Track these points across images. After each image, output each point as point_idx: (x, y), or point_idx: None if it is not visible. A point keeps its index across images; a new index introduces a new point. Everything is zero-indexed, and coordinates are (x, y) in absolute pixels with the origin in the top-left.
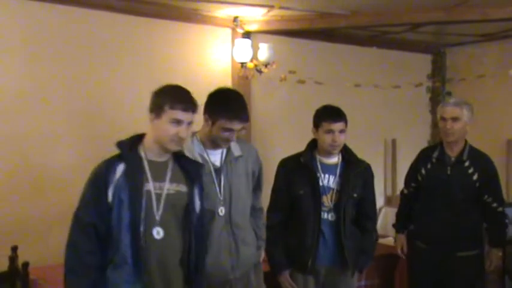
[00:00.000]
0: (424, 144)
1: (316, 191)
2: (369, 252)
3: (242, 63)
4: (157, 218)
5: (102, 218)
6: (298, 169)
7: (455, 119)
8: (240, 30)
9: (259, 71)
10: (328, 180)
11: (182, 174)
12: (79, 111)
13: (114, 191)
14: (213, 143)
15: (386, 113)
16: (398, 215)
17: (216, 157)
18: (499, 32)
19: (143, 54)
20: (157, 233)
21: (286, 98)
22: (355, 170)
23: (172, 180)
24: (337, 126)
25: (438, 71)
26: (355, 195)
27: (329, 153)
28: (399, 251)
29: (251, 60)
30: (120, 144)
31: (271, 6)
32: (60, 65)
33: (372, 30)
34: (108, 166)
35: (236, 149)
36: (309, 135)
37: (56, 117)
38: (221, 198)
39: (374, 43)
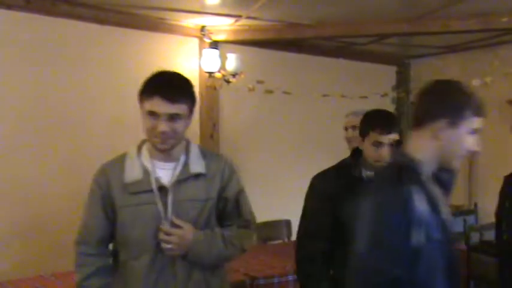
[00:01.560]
0: None
1: None
2: None
3: (210, 73)
4: None
5: None
6: (345, 185)
7: (355, 128)
8: (207, 40)
9: (227, 81)
10: None
11: None
12: (39, 117)
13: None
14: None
15: None
16: None
17: (165, 172)
18: (461, 43)
19: (109, 63)
20: None
21: (255, 108)
22: None
23: None
24: (386, 138)
25: (403, 82)
26: None
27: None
28: None
29: (219, 70)
30: None
31: (238, 16)
32: (22, 72)
33: (339, 41)
34: None
35: (197, 164)
36: (277, 145)
37: (15, 124)
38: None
39: (341, 54)
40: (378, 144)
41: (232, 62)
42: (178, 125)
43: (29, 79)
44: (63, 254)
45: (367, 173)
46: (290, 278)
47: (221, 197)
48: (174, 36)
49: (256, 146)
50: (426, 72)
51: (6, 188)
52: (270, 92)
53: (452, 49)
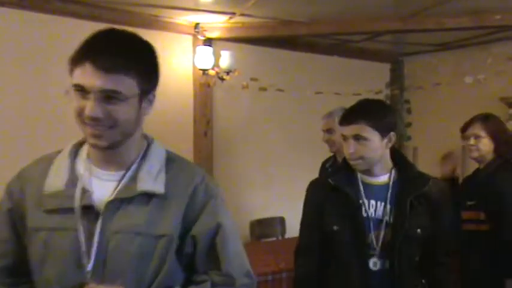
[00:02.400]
0: None
1: (358, 225)
2: None
3: (204, 71)
4: None
5: None
6: (330, 192)
7: (330, 131)
8: (201, 37)
9: (221, 79)
10: (376, 209)
11: None
12: (36, 117)
13: None
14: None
15: None
16: None
17: (104, 185)
18: (455, 41)
19: None
20: None
21: (248, 105)
22: (415, 191)
23: None
24: (348, 130)
25: (396, 80)
26: (418, 230)
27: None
28: None
29: (213, 68)
30: None
31: (232, 13)
32: (18, 71)
33: (333, 38)
34: None
35: (151, 178)
36: (272, 143)
37: (10, 121)
38: (88, 268)
39: (335, 52)
40: (343, 137)
41: (226, 59)
42: (119, 109)
43: (22, 77)
44: None
45: (363, 177)
46: (284, 275)
47: (187, 235)
48: (167, 33)
49: (250, 143)
50: (420, 69)
51: None
52: (263, 89)
53: (445, 46)
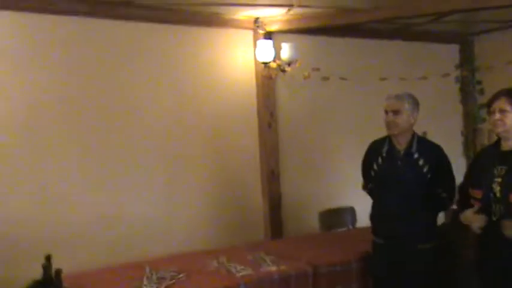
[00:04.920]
0: (457, 135)
1: None
2: None
3: (265, 63)
4: None
5: None
6: None
7: (396, 112)
8: (261, 31)
9: (283, 70)
10: None
11: None
12: (98, 116)
13: None
14: None
15: None
16: None
17: None
18: None
19: (166, 62)
20: None
21: (311, 95)
22: None
23: None
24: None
25: (466, 60)
26: None
27: None
28: None
29: (274, 60)
30: None
31: (290, 6)
32: (84, 73)
33: (395, 23)
34: None
35: None
36: (337, 132)
37: (75, 129)
38: None
39: (398, 36)
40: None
41: (286, 51)
42: None
43: (93, 81)
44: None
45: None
46: (353, 265)
47: None
48: (228, 29)
49: (314, 133)
50: (491, 48)
51: (82, 185)
52: (326, 78)
53: None
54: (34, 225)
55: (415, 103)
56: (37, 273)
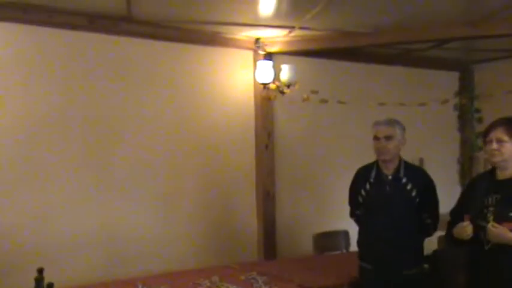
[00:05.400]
0: (453, 163)
1: None
2: None
3: (264, 84)
4: None
5: None
6: None
7: (388, 138)
8: (261, 52)
9: (282, 92)
10: None
11: None
12: (102, 134)
13: None
14: None
15: (412, 132)
16: None
17: None
18: None
19: (167, 78)
20: None
21: (310, 117)
22: None
23: None
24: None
25: (466, 88)
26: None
27: None
28: None
29: (273, 81)
30: None
31: (291, 27)
32: (85, 88)
33: (396, 48)
34: None
35: None
36: (333, 155)
37: (74, 142)
38: None
39: (398, 61)
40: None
41: (286, 72)
42: None
43: (91, 95)
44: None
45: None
46: None
47: None
48: (229, 49)
49: (311, 156)
50: (491, 77)
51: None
52: (324, 101)
53: None
54: (27, 238)
55: (403, 128)
56: (29, 286)
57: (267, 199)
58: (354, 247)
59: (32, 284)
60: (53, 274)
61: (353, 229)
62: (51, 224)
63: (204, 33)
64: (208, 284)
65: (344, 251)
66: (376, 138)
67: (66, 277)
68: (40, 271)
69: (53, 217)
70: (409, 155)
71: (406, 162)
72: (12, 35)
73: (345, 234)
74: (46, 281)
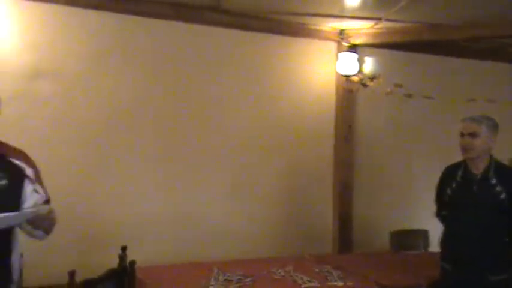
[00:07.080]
0: None
1: None
2: None
3: (347, 77)
4: None
5: None
6: None
7: (473, 135)
8: (345, 44)
9: (364, 85)
10: None
11: None
12: (182, 123)
13: None
14: None
15: (505, 130)
16: None
17: None
18: None
19: (252, 68)
20: None
21: (392, 112)
22: None
23: None
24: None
25: None
26: None
27: None
28: None
29: (356, 74)
30: None
31: (378, 19)
32: (166, 80)
33: (487, 42)
34: None
35: None
36: (417, 151)
37: (159, 129)
38: None
39: (490, 57)
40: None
41: (369, 65)
42: None
43: (177, 84)
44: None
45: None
46: None
47: None
48: (312, 40)
49: (393, 150)
50: None
51: (147, 187)
52: (409, 95)
53: None
54: (112, 220)
55: (494, 126)
56: (113, 262)
57: (344, 192)
58: (433, 248)
59: (115, 261)
60: (134, 253)
61: (433, 229)
62: (134, 208)
63: (289, 24)
64: (283, 274)
65: (423, 250)
66: (461, 134)
67: (145, 257)
68: (123, 249)
69: (135, 202)
70: (503, 155)
71: (498, 162)
72: (99, 24)
73: (425, 233)
74: (129, 259)
